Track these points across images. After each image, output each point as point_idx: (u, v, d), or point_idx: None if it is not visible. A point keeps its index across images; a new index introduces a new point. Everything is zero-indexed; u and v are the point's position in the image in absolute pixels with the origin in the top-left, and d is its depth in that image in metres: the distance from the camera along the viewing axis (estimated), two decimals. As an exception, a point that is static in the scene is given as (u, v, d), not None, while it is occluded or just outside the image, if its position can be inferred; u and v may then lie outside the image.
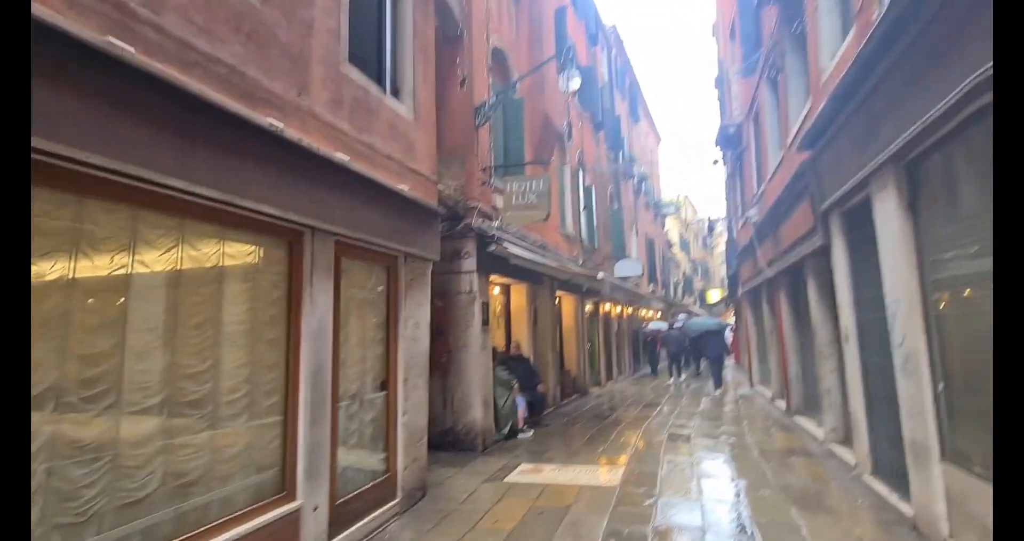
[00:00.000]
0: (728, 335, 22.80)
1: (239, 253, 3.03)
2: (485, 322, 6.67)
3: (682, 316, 21.03)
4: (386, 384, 4.35)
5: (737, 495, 4.66)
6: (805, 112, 6.28)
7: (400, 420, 4.41)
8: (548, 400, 9.41)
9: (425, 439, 4.74)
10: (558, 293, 10.61)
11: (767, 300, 10.47)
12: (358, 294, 4.13)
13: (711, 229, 16.10)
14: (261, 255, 3.17)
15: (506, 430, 6.97)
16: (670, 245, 30.51)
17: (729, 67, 14.27)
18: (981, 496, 3.19)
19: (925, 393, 3.64)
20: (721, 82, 16.35)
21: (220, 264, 2.90)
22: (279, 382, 3.19)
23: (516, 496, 4.65)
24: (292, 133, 3.13)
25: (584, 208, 12.58)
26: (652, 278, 21.88)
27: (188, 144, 2.49)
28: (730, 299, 22.07)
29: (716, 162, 12.71)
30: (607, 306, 14.75)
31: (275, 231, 3.20)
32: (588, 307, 13.33)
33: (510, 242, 7.08)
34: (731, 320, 28.19)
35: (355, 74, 3.95)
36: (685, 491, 4.76)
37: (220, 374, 2.84)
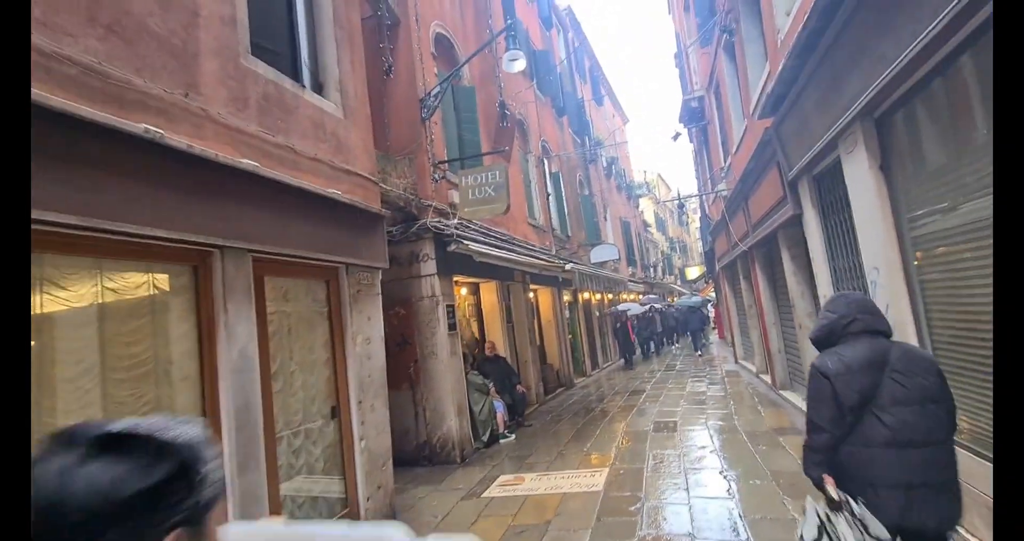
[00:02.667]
0: (709, 310, 23.05)
1: (125, 287, 2.59)
2: (452, 326, 6.29)
3: (651, 297, 20.79)
4: (337, 409, 3.96)
5: (728, 489, 4.40)
6: (764, 77, 5.99)
7: (358, 446, 4.02)
8: (531, 398, 9.11)
9: (390, 463, 4.36)
10: (532, 287, 10.27)
11: (743, 274, 10.29)
12: (292, 314, 3.71)
13: (681, 207, 15.91)
14: (156, 285, 2.74)
15: (486, 437, 6.63)
16: (646, 226, 30.41)
17: (686, 40, 13.99)
18: (981, 474, 2.95)
19: (914, 368, 3.38)
20: (680, 57, 16.08)
21: (100, 302, 2.46)
22: (195, 428, 2.77)
23: (494, 514, 4.31)
24: (179, 140, 2.69)
25: (551, 196, 12.24)
26: (631, 261, 21.70)
27: (34, 162, 2.04)
28: (708, 275, 22.09)
29: (677, 136, 12.43)
30: (586, 294, 14.49)
31: (171, 256, 2.76)
32: (566, 297, 13.03)
33: (472, 239, 6.69)
34: (711, 296, 28.51)
35: (262, 68, 3.50)
36: (672, 490, 4.48)
37: (114, 430, 2.41)
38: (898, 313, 3.47)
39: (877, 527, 1.83)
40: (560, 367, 11.20)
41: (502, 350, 8.09)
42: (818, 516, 2.00)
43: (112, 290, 2.51)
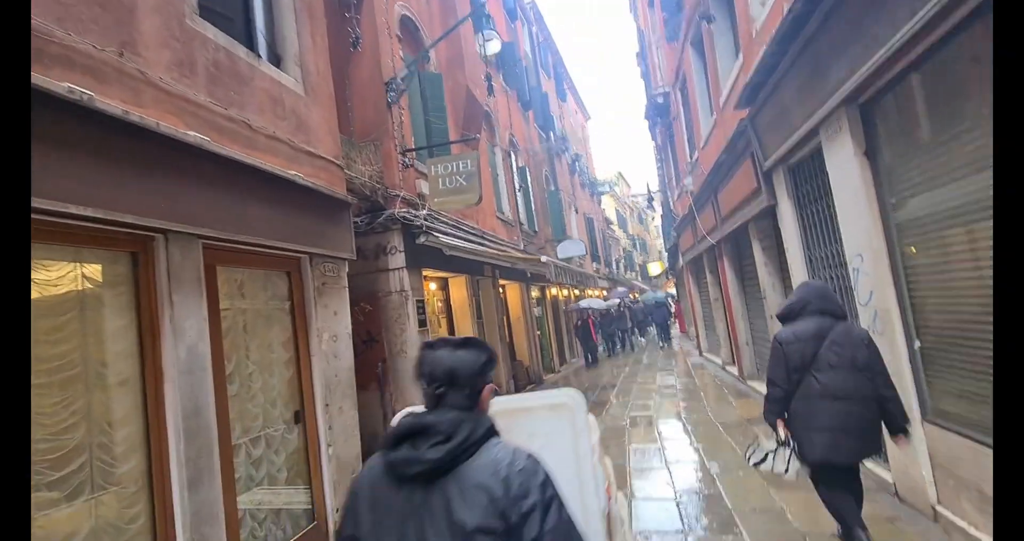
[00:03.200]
0: (671, 305, 23.55)
1: (47, 278, 2.19)
2: (422, 322, 5.99)
3: (621, 291, 20.87)
4: (301, 413, 3.61)
5: (712, 482, 4.32)
6: (738, 69, 5.98)
7: (325, 454, 3.69)
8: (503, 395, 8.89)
9: (360, 469, 4.04)
10: (502, 282, 10.05)
11: (710, 268, 10.41)
12: (250, 309, 3.34)
13: (650, 201, 16.02)
14: (86, 276, 2.34)
15: (459, 437, 6.35)
16: (609, 223, 30.75)
17: (650, 36, 14.09)
18: (970, 458, 2.94)
19: (900, 352, 3.36)
20: (643, 54, 16.22)
21: (13, 292, 2.06)
22: (135, 439, 2.40)
23: (473, 519, 4.07)
24: (112, 104, 2.30)
25: (520, 190, 12.04)
26: (595, 257, 21.83)
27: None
28: (671, 271, 22.50)
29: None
30: (554, 290, 14.39)
31: (104, 241, 2.37)
32: (535, 293, 12.89)
33: (442, 232, 6.39)
34: (671, 291, 29.19)
35: (212, 32, 3.11)
36: (658, 486, 4.36)
37: (34, 443, 2.02)
38: (883, 300, 3.45)
39: (801, 460, 2.70)
40: (529, 364, 11.03)
41: (473, 347, 7.83)
42: (766, 448, 2.83)
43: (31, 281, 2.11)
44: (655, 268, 31.48)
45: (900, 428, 2.69)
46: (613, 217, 33.75)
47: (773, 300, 6.25)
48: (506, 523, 0.96)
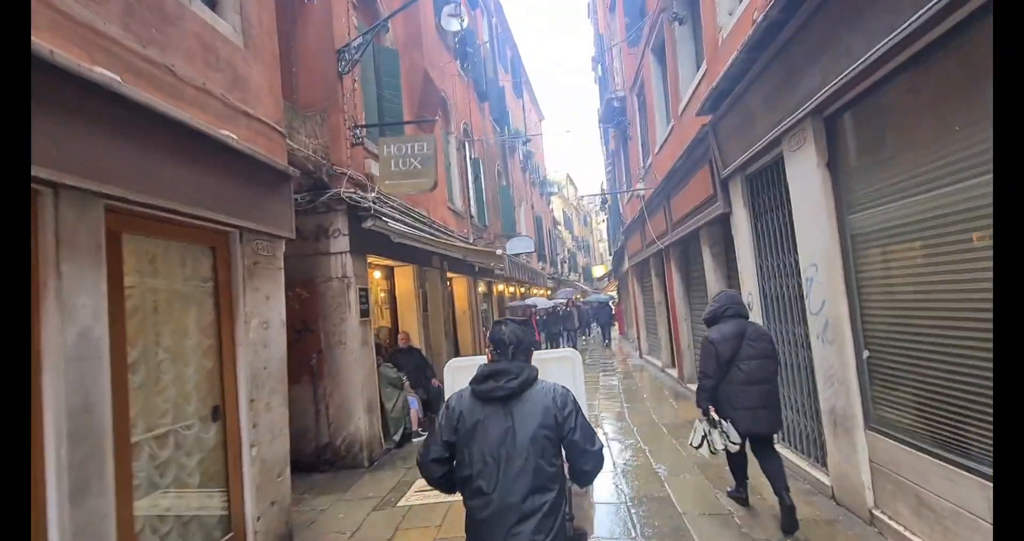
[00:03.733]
0: (612, 307, 24.07)
1: None
2: (364, 312, 5.58)
3: (568, 291, 20.99)
4: (221, 409, 3.16)
5: (662, 484, 4.25)
6: (700, 76, 6.01)
7: (247, 454, 3.25)
8: (445, 394, 8.57)
9: (287, 473, 3.63)
10: (450, 275, 9.71)
11: (656, 272, 10.58)
12: (163, 289, 2.87)
13: (604, 202, 16.17)
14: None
15: (398, 436, 6.00)
16: (556, 223, 31.01)
17: (609, 41, 14.19)
18: (910, 465, 3.01)
19: (848, 360, 3.41)
20: (600, 58, 16.35)
21: None
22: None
23: (415, 525, 3.77)
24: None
25: (473, 182, 11.74)
26: (541, 256, 21.88)
27: None
28: (614, 274, 22.96)
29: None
30: (500, 286, 14.20)
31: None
32: (481, 288, 12.63)
33: (391, 217, 5.99)
34: (613, 294, 29.90)
35: (131, -45, 2.61)
36: (608, 490, 4.25)
37: None
38: (835, 309, 3.48)
39: (735, 435, 3.28)
40: (473, 360, 10.77)
41: (416, 341, 7.46)
42: (703, 431, 3.39)
43: None
44: (599, 270, 32.08)
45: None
46: (560, 218, 34.10)
47: (720, 304, 6.35)
48: (556, 421, 1.67)
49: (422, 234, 6.20)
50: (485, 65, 14.07)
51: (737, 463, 3.62)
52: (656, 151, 9.13)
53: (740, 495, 3.70)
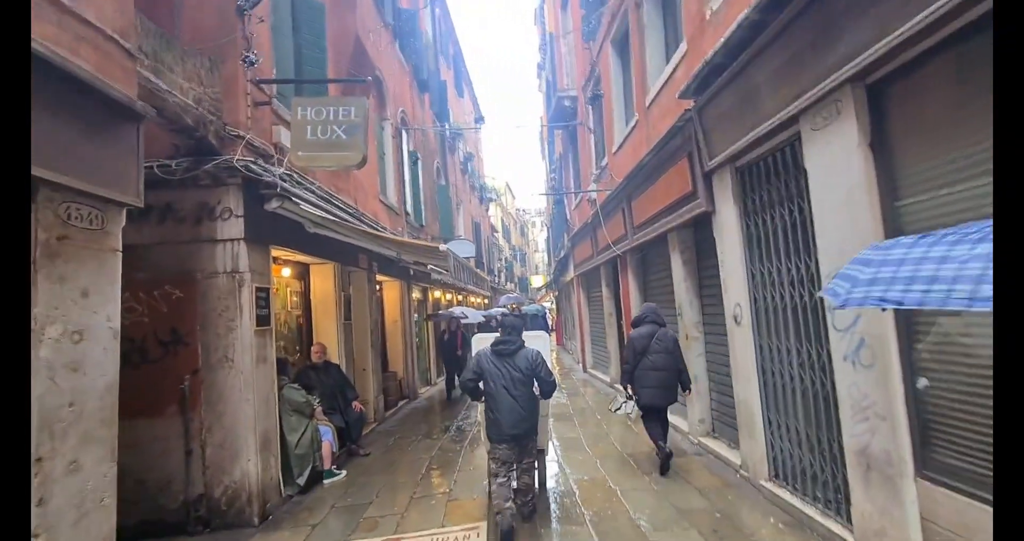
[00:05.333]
0: (548, 317, 23.47)
1: None
2: (263, 319, 4.29)
3: (514, 297, 19.85)
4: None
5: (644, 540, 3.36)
6: (678, 59, 5.32)
7: (19, 553, 1.96)
8: (369, 416, 7.28)
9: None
10: (380, 277, 8.45)
11: (607, 282, 9.91)
12: None
13: (560, 203, 15.43)
14: None
15: (303, 479, 4.69)
16: (494, 230, 30.18)
17: (559, 39, 13.62)
18: (970, 519, 2.31)
19: (893, 390, 2.68)
20: (548, 63, 15.77)
21: None
22: None
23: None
24: None
25: (408, 176, 10.56)
26: (479, 264, 20.85)
27: None
28: (554, 284, 22.40)
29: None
30: (437, 293, 13.01)
31: None
32: (416, 295, 11.39)
33: (307, 200, 4.75)
34: (548, 304, 29.46)
35: None
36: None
37: None
38: (875, 324, 2.75)
39: (640, 407, 4.76)
40: (404, 376, 9.50)
41: (335, 355, 6.17)
42: (621, 401, 4.96)
43: None
44: (537, 280, 31.60)
45: (687, 386, 4.87)
46: (499, 226, 33.32)
47: (691, 318, 5.64)
48: (532, 367, 3.59)
49: (347, 224, 4.99)
50: (427, 54, 12.99)
51: (653, 430, 4.78)
52: (614, 151, 8.47)
53: (661, 451, 4.70)
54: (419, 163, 11.52)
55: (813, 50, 3.02)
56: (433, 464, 5.39)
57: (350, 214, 6.40)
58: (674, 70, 5.45)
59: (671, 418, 5.15)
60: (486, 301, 19.98)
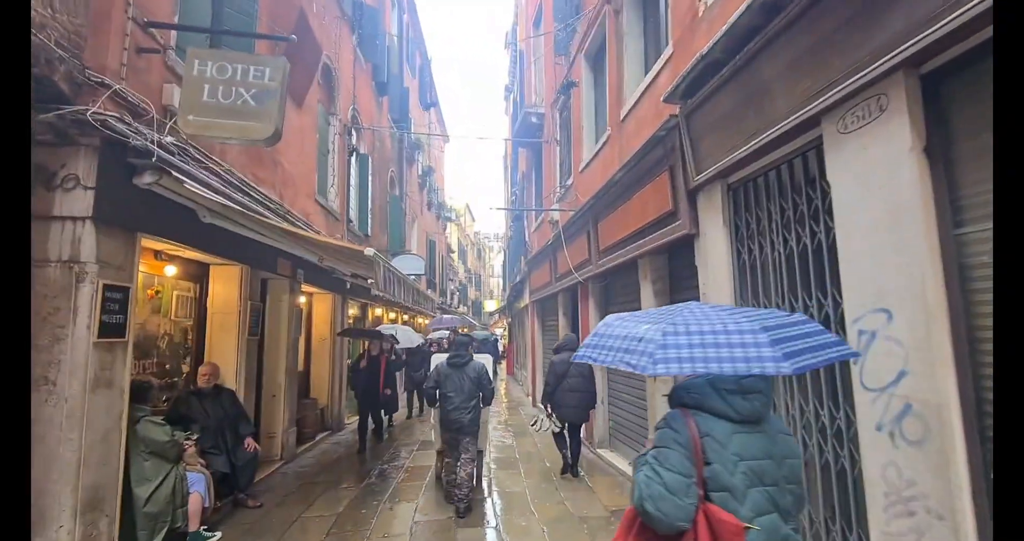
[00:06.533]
0: (499, 343, 22.48)
1: None
2: (111, 328, 3.19)
3: (450, 319, 15.12)
4: None
5: None
6: (662, 62, 4.75)
7: None
8: (275, 452, 6.09)
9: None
10: (308, 288, 7.34)
11: (564, 311, 9.16)
12: None
13: (519, 219, 14.62)
14: None
15: (150, 547, 3.50)
16: (450, 251, 29.19)
17: (530, 55, 13.22)
18: None
19: (956, 477, 1.96)
20: (517, 84, 15.37)
21: None
22: None
23: None
24: None
25: (354, 179, 9.58)
26: (431, 284, 19.77)
27: None
28: (508, 309, 21.54)
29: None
30: (379, 310, 11.87)
31: None
32: (353, 311, 10.25)
33: (198, 180, 3.72)
34: (500, 330, 28.49)
35: None
36: None
37: None
38: (928, 386, 2.05)
39: (559, 424, 5.56)
40: (328, 404, 8.27)
41: (232, 379, 5.01)
42: (542, 418, 5.73)
43: None
44: (491, 305, 30.69)
45: (594, 405, 5.78)
46: (455, 247, 32.38)
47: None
48: (479, 376, 4.72)
49: (256, 217, 3.97)
50: (389, 56, 12.21)
51: (560, 442, 5.67)
52: (580, 169, 7.86)
53: (566, 460, 5.69)
54: (370, 168, 10.56)
55: (849, 31, 2.39)
56: (339, 526, 4.29)
57: (272, 210, 5.37)
58: (656, 76, 4.87)
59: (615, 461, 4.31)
60: (425, 323, 18.81)
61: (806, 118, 2.70)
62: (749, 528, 1.40)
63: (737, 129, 3.31)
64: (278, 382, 6.20)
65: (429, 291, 18.98)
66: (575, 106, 8.42)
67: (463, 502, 4.46)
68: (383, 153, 12.25)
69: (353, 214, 9.48)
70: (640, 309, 5.45)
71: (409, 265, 11.07)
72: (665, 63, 4.67)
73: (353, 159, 9.51)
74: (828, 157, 2.60)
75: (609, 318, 1.80)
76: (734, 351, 1.38)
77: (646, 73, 5.45)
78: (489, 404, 4.96)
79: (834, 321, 2.68)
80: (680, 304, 1.78)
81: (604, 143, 6.67)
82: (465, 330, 24.73)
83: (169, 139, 3.69)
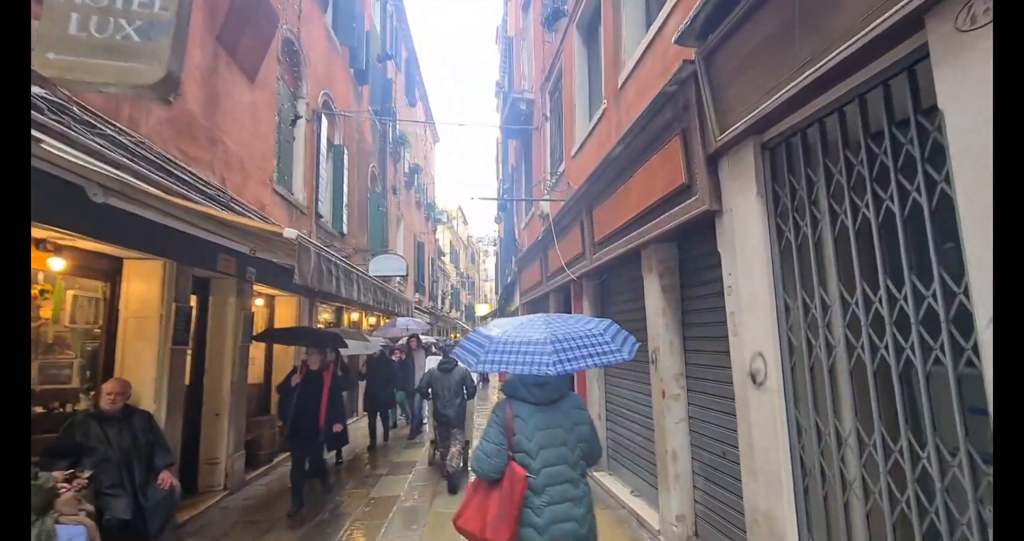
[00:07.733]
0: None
1: None
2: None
3: (409, 322, 10.33)
4: None
5: None
6: (670, 7, 3.93)
7: None
8: (216, 481, 5.18)
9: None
10: (264, 289, 6.45)
11: (557, 313, 8.28)
12: None
13: (504, 208, 13.75)
14: None
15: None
16: (441, 254, 28.33)
17: (519, 43, 12.44)
18: None
19: None
20: (505, 72, 14.60)
21: None
22: None
23: None
24: None
25: (325, 171, 8.71)
26: (419, 286, 18.88)
27: None
28: (499, 313, 20.66)
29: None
30: (356, 315, 10.97)
31: None
32: (325, 315, 9.35)
33: (83, 146, 2.84)
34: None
35: None
36: None
37: None
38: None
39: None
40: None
41: (149, 397, 4.10)
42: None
43: None
44: (483, 309, 29.83)
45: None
46: (447, 250, 31.52)
47: (670, 368, 4.04)
48: (463, 382, 5.85)
49: (168, 197, 3.08)
50: (369, 42, 11.38)
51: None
52: (573, 154, 7.03)
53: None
54: (346, 160, 9.70)
55: None
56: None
57: (209, 197, 4.52)
58: (662, 25, 4.04)
59: (636, 508, 3.44)
60: (429, 326, 17.88)
61: (898, 19, 1.85)
62: (529, 476, 2.15)
63: (779, 63, 2.46)
64: (222, 399, 5.30)
65: (417, 295, 18.07)
66: (566, 83, 7.61)
67: (452, 480, 5.53)
68: (363, 146, 11.40)
69: (325, 209, 8.62)
70: (644, 309, 4.62)
71: (389, 265, 10.19)
72: (675, 5, 3.85)
73: (324, 148, 8.65)
74: (938, 74, 1.75)
75: (482, 328, 2.53)
76: (523, 357, 2.12)
77: (647, 28, 4.65)
78: (472, 398, 6.08)
79: (944, 316, 1.82)
80: (529, 315, 2.58)
81: (599, 119, 5.85)
82: (456, 335, 23.68)
83: (39, 91, 2.85)
